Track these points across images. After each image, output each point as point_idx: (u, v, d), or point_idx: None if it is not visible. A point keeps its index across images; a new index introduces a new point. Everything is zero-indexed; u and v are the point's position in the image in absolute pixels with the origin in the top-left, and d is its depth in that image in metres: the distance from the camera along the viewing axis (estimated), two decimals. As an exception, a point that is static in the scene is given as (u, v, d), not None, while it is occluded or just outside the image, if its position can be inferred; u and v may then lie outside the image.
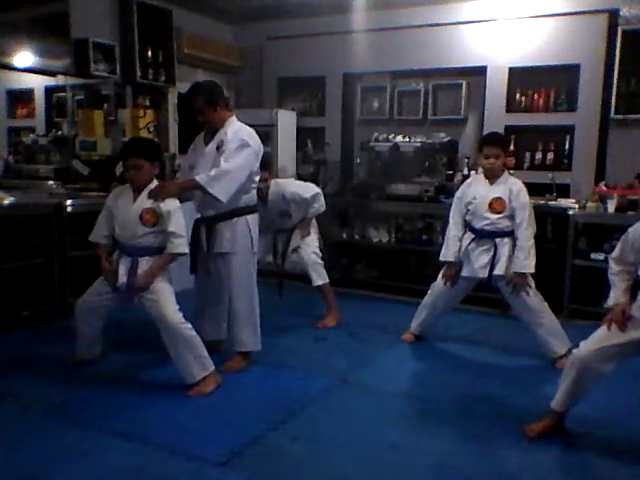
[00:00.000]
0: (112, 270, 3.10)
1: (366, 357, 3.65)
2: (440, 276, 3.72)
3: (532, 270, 3.41)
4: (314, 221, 4.26)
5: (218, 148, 3.12)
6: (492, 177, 3.53)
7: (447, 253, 3.65)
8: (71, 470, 2.32)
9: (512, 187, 3.47)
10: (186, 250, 3.09)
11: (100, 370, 3.29)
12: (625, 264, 2.48)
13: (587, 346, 2.46)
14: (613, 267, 2.51)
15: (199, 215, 3.29)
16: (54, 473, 2.30)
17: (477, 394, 3.12)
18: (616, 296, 2.48)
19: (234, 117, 3.24)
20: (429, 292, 3.81)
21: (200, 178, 3.03)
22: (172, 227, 3.03)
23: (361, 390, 3.17)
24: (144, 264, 3.04)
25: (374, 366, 3.53)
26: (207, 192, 3.02)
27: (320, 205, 4.15)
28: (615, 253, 2.51)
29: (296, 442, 2.57)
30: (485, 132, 5.34)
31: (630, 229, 2.45)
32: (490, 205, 3.48)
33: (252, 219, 3.29)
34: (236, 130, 3.15)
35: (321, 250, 4.28)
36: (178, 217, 3.05)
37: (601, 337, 2.45)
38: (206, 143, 3.21)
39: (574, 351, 2.54)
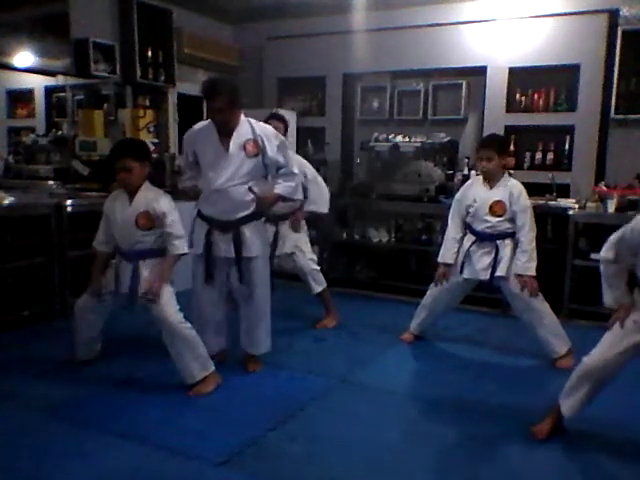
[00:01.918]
0: (99, 284, 3.12)
1: (366, 357, 3.65)
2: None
3: (533, 273, 3.41)
4: (304, 222, 4.15)
5: (244, 148, 3.02)
6: (491, 180, 3.53)
7: (445, 254, 3.66)
8: (71, 470, 2.32)
9: (512, 190, 3.46)
10: (187, 250, 3.07)
11: (100, 370, 3.28)
12: (621, 263, 2.41)
13: (600, 357, 2.41)
14: (609, 269, 2.43)
15: (208, 219, 3.13)
16: (54, 473, 2.30)
17: (477, 394, 3.12)
18: (616, 297, 2.43)
19: (242, 114, 3.13)
20: (429, 292, 3.81)
21: (284, 191, 3.17)
22: (169, 228, 3.01)
23: (361, 390, 3.17)
24: (145, 268, 3.03)
25: (374, 366, 3.53)
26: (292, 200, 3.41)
27: (316, 205, 4.07)
28: (609, 255, 2.41)
29: (296, 442, 2.57)
30: (485, 132, 5.36)
31: (625, 230, 2.36)
32: (491, 208, 3.49)
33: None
34: (263, 130, 3.12)
35: (320, 254, 4.22)
36: (174, 217, 3.03)
37: (611, 345, 2.40)
38: (223, 143, 3.04)
39: (589, 359, 2.46)
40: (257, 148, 3.06)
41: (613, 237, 2.41)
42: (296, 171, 3.23)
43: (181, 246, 3.04)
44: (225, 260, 3.17)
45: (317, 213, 4.16)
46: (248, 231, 3.12)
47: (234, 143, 3.04)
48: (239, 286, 3.23)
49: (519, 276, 3.42)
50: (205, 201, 3.15)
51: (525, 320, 3.55)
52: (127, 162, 2.97)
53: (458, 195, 3.70)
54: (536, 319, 3.49)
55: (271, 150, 3.08)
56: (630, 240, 2.35)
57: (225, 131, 3.05)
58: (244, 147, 3.04)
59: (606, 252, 2.42)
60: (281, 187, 3.17)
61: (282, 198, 3.25)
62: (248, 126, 3.09)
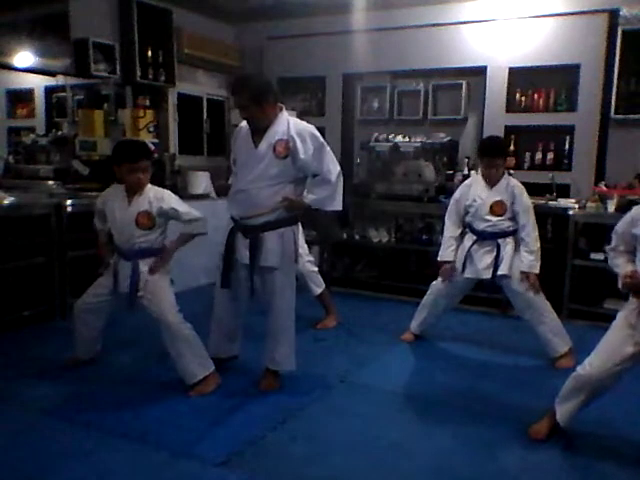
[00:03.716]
0: (108, 257, 3.16)
1: (366, 357, 3.65)
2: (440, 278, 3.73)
3: (537, 271, 3.44)
4: (300, 226, 4.14)
5: (274, 149, 2.85)
6: (492, 181, 3.54)
7: (445, 253, 3.68)
8: (71, 470, 2.32)
9: (513, 190, 3.48)
10: (206, 230, 3.09)
11: (100, 370, 3.29)
12: (624, 245, 2.41)
13: (595, 369, 2.38)
14: (611, 254, 2.47)
15: (234, 220, 3.00)
16: (54, 473, 2.30)
17: (477, 394, 3.12)
18: (622, 267, 2.39)
19: (284, 111, 2.95)
20: (429, 292, 3.81)
21: (317, 204, 2.96)
22: (187, 216, 3.04)
23: (361, 390, 3.17)
24: (145, 267, 3.02)
25: (374, 366, 3.53)
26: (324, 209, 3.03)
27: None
28: (612, 243, 2.46)
29: (296, 442, 2.57)
30: (485, 132, 5.36)
31: (622, 219, 2.42)
32: (491, 208, 3.50)
33: (297, 229, 3.11)
34: (300, 130, 2.89)
35: (320, 254, 4.18)
36: (184, 207, 3.07)
37: (610, 353, 2.36)
38: (255, 142, 2.90)
39: (583, 370, 2.42)
40: (287, 149, 2.85)
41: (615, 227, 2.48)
42: (332, 178, 2.93)
43: (201, 226, 3.08)
44: (244, 266, 3.00)
45: None
46: (269, 239, 2.92)
47: (265, 142, 2.87)
48: (260, 295, 3.06)
49: (524, 273, 3.44)
50: (231, 200, 3.03)
51: (527, 318, 3.55)
52: (145, 163, 2.99)
53: (456, 195, 3.71)
54: (537, 317, 3.49)
55: (304, 152, 2.86)
56: (622, 232, 2.40)
57: (257, 129, 2.90)
58: (274, 147, 2.85)
59: (611, 243, 2.47)
60: (310, 197, 2.95)
61: (309, 208, 2.99)
62: (285, 125, 2.89)
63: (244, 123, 3.01)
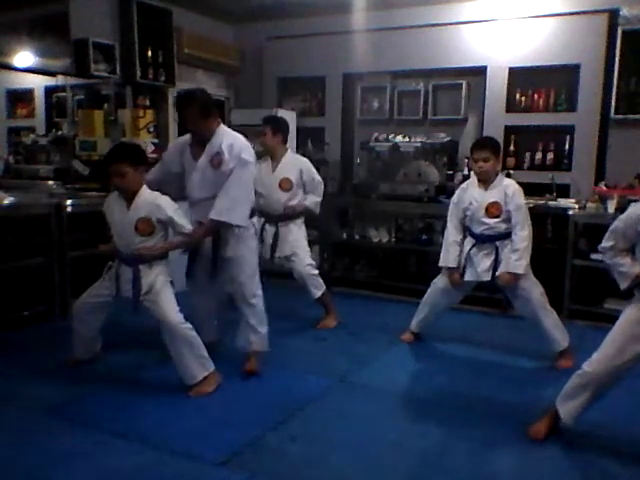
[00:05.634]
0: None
1: (366, 357, 3.65)
2: (441, 277, 3.72)
3: (522, 271, 3.39)
4: (303, 227, 4.19)
5: (212, 161, 3.06)
6: (486, 181, 3.53)
7: (447, 259, 3.64)
8: (71, 470, 2.32)
9: (507, 190, 3.47)
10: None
11: (100, 370, 3.29)
12: (624, 243, 2.40)
13: (601, 366, 2.39)
14: (610, 254, 2.44)
15: (198, 220, 3.18)
16: (54, 473, 2.30)
17: (477, 394, 3.12)
18: (630, 267, 2.38)
19: (222, 126, 3.16)
20: (430, 290, 3.80)
21: (216, 215, 3.02)
22: (179, 229, 3.07)
23: (361, 390, 3.17)
24: (146, 271, 3.02)
25: (374, 366, 3.53)
26: (230, 225, 3.10)
27: (316, 204, 4.19)
28: (607, 243, 2.44)
29: (296, 442, 2.57)
30: (485, 132, 5.37)
31: (620, 218, 2.41)
32: (487, 210, 3.49)
33: (254, 220, 3.36)
34: (230, 144, 3.06)
35: (321, 254, 4.23)
36: (180, 218, 3.06)
37: (619, 350, 2.36)
38: (195, 156, 3.13)
39: (589, 367, 2.43)
40: (220, 162, 3.05)
41: (611, 226, 2.44)
42: (232, 192, 3.03)
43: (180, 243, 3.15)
44: (208, 258, 3.26)
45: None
46: (227, 233, 3.16)
47: (205, 155, 3.09)
48: (227, 285, 3.32)
49: (507, 273, 3.42)
50: (190, 207, 3.27)
51: (527, 315, 3.54)
52: (120, 167, 2.94)
53: (454, 198, 3.71)
54: (537, 314, 3.48)
55: (226, 166, 3.04)
56: (624, 228, 2.38)
57: (200, 141, 3.10)
58: (211, 160, 3.07)
59: (605, 241, 2.45)
60: (213, 213, 3.05)
61: (217, 224, 3.09)
62: (221, 138, 3.08)
63: (182, 138, 3.28)
